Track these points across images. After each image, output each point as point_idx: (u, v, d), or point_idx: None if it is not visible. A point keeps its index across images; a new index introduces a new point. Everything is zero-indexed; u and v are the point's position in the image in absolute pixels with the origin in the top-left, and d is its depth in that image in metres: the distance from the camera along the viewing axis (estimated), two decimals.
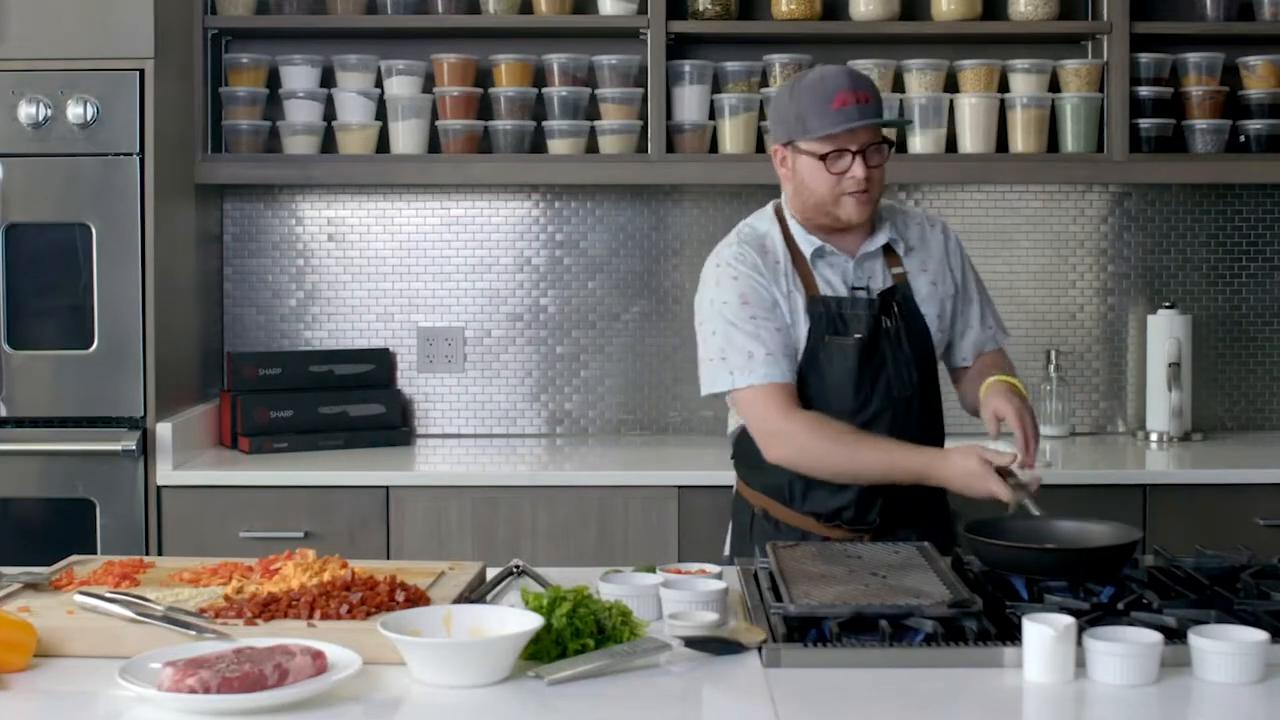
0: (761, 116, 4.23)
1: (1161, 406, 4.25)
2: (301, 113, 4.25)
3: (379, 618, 2.12)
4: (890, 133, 2.88)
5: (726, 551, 3.05)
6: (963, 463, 2.69)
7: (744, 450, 2.98)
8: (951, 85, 4.26)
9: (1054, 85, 4.26)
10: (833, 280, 2.91)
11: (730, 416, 3.05)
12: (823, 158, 2.82)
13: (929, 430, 2.95)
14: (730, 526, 3.08)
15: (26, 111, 3.74)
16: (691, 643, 2.11)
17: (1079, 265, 4.44)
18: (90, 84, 3.76)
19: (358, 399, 4.20)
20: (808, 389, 2.88)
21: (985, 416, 2.84)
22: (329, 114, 4.28)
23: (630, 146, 4.22)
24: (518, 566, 2.58)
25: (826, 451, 2.81)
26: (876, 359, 2.89)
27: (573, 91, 4.21)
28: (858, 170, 2.82)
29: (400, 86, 4.23)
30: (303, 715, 1.87)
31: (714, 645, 2.11)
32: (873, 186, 2.85)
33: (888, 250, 2.96)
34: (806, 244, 2.91)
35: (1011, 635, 2.10)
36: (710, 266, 2.95)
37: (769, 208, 3.01)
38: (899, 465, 2.79)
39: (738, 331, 2.86)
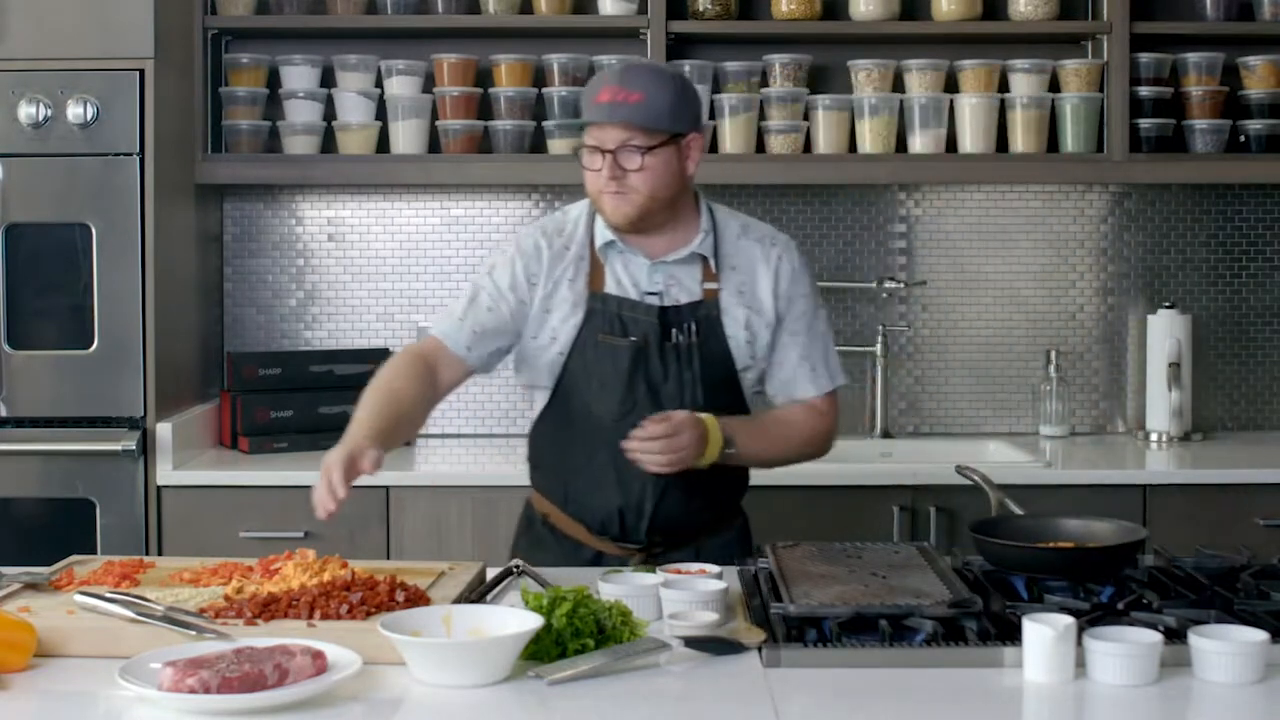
0: (762, 116, 4.24)
1: (1161, 406, 4.25)
2: (301, 113, 4.25)
3: (379, 618, 2.12)
4: (647, 137, 2.68)
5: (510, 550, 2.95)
6: (337, 450, 2.48)
7: (533, 447, 2.92)
8: (951, 85, 4.26)
9: (1054, 85, 4.26)
10: (624, 280, 2.79)
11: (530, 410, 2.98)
12: (577, 152, 2.75)
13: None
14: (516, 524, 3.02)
15: (26, 111, 3.74)
16: (691, 643, 2.11)
17: (1079, 265, 4.45)
18: (90, 84, 3.76)
19: (358, 399, 4.19)
20: (577, 383, 2.79)
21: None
22: (329, 114, 4.28)
23: None
24: (518, 566, 2.58)
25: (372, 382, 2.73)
26: (655, 370, 2.76)
27: (573, 91, 4.21)
28: (605, 170, 2.70)
29: (400, 86, 4.23)
30: (303, 715, 1.87)
31: (714, 645, 2.11)
32: (633, 190, 2.70)
33: (706, 262, 2.81)
34: (601, 235, 2.80)
35: (1011, 635, 2.10)
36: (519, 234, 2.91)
37: None
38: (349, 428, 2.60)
39: (471, 289, 2.84)
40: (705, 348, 2.78)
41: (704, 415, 2.67)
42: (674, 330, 2.77)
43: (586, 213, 2.85)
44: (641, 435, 2.62)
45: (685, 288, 2.80)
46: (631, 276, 2.80)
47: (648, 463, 2.63)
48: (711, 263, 2.81)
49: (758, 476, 3.81)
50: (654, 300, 2.78)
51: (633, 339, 2.76)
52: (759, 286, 2.82)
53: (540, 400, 2.88)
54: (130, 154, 3.78)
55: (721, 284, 2.81)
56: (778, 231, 2.92)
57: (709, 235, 2.82)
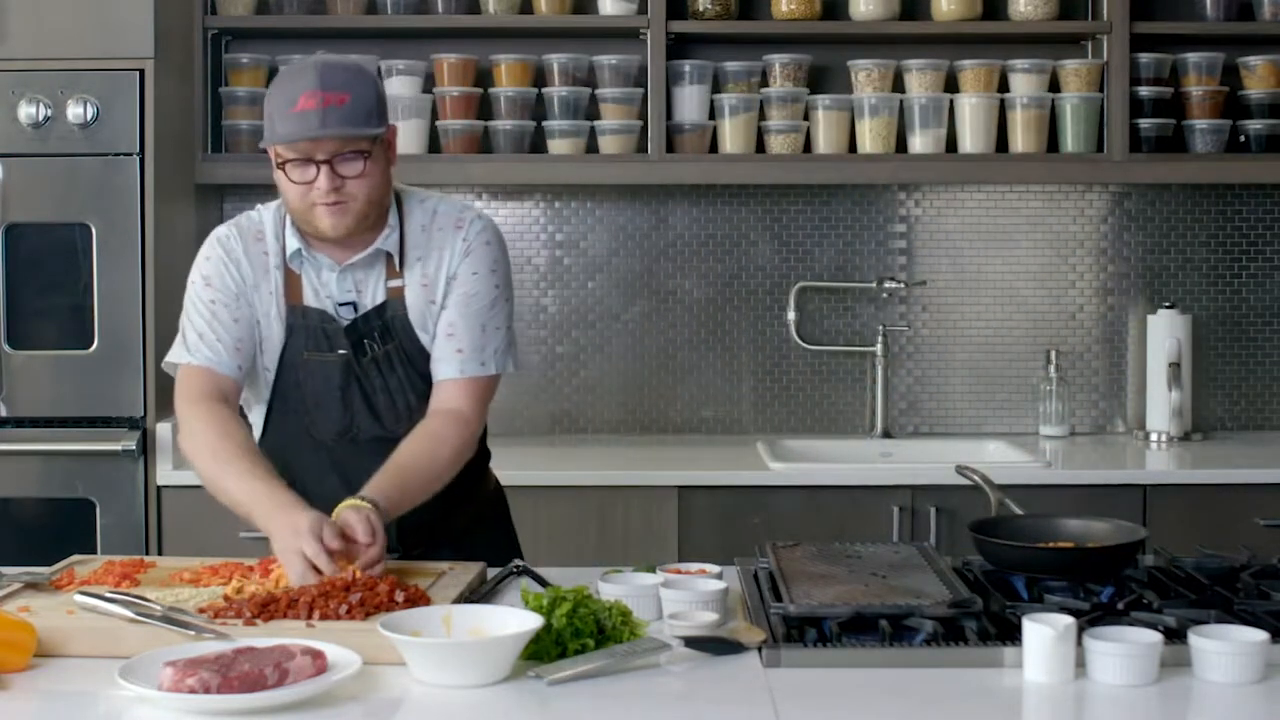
0: (762, 116, 4.24)
1: (1161, 406, 4.25)
2: None
3: (379, 618, 2.12)
4: (357, 142, 2.51)
5: None
6: (290, 534, 2.31)
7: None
8: (951, 85, 4.26)
9: (1054, 85, 4.26)
10: (319, 290, 2.63)
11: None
12: (283, 166, 2.53)
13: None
14: None
15: (26, 111, 3.74)
16: (691, 643, 2.11)
17: (1079, 265, 4.45)
18: (90, 84, 3.76)
19: None
20: (290, 402, 2.66)
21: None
22: None
23: (630, 146, 4.22)
24: (518, 566, 2.58)
25: (201, 456, 2.54)
26: (366, 382, 2.63)
27: (573, 91, 4.21)
28: (323, 182, 2.50)
29: (400, 86, 4.23)
30: (303, 715, 1.87)
31: (714, 645, 2.11)
32: (351, 198, 2.53)
33: (391, 260, 2.64)
34: (290, 244, 2.63)
35: (1011, 635, 2.10)
36: (206, 241, 2.71)
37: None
38: (253, 507, 2.43)
39: (195, 311, 2.64)
40: (403, 351, 2.64)
41: (357, 503, 2.40)
42: (366, 341, 2.62)
43: (275, 219, 2.67)
44: (366, 568, 2.32)
45: (371, 291, 2.64)
46: (326, 286, 2.63)
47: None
48: (396, 260, 2.64)
49: (761, 478, 3.82)
50: (348, 310, 2.63)
51: (340, 352, 2.61)
52: (440, 275, 2.64)
53: (257, 418, 2.72)
54: (130, 154, 3.78)
55: (405, 280, 2.64)
56: (470, 211, 2.71)
57: (394, 231, 2.64)
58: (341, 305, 2.63)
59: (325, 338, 2.62)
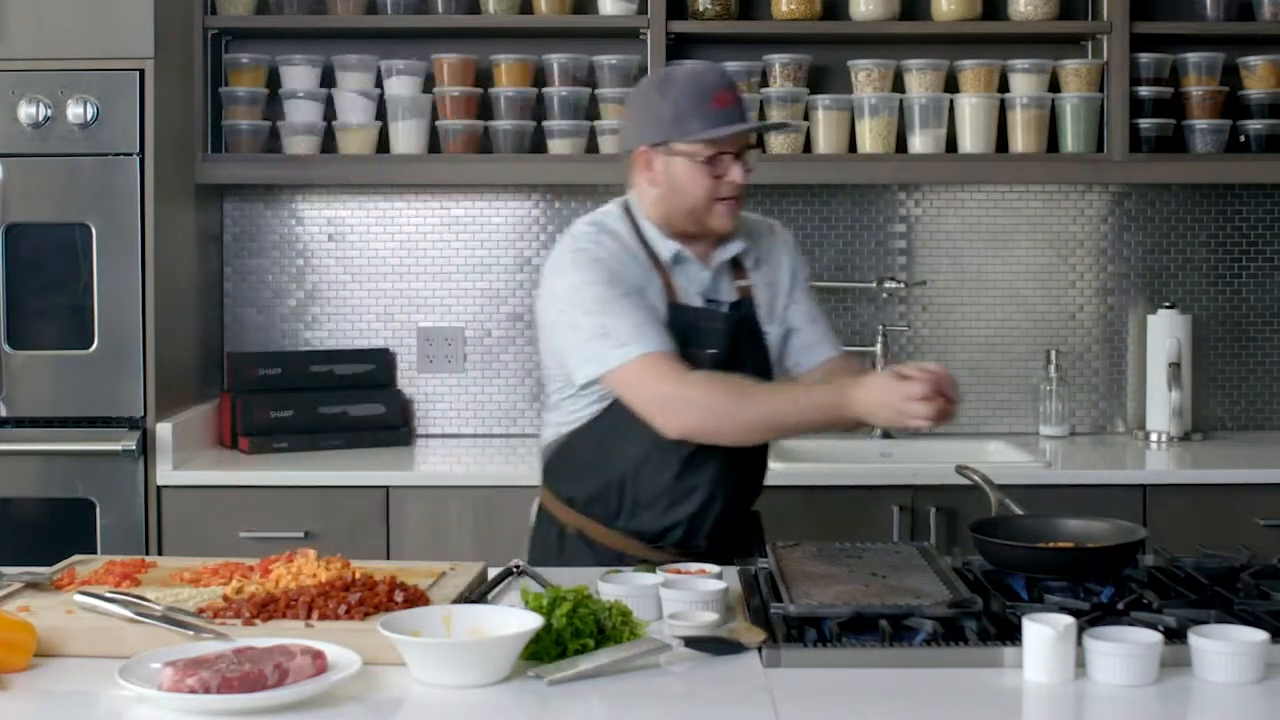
0: (762, 116, 4.23)
1: (1161, 406, 4.25)
2: (301, 113, 4.25)
3: (379, 618, 2.12)
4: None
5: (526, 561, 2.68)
6: (878, 389, 2.49)
7: (563, 463, 2.81)
8: (951, 85, 4.26)
9: (1054, 85, 4.26)
10: (688, 289, 2.74)
11: (545, 427, 2.87)
12: (707, 160, 2.66)
13: (759, 456, 2.83)
14: (531, 536, 2.92)
15: (26, 111, 3.74)
16: (691, 643, 2.11)
17: (1079, 265, 4.45)
18: (90, 84, 3.76)
19: (358, 399, 4.20)
20: None
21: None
22: (329, 114, 4.28)
23: None
24: (518, 566, 2.58)
25: (737, 406, 2.58)
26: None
27: (573, 91, 4.22)
28: (736, 174, 2.68)
29: (400, 86, 4.23)
30: (303, 715, 1.87)
31: (714, 645, 2.11)
32: (740, 193, 2.72)
33: (735, 262, 2.81)
34: (665, 247, 2.72)
35: (1011, 635, 2.10)
36: (564, 254, 2.71)
37: (614, 207, 2.79)
38: (815, 402, 2.60)
39: (616, 306, 2.63)
40: (754, 349, 2.79)
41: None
42: (738, 334, 2.76)
43: (626, 221, 2.75)
44: (947, 391, 2.46)
45: (725, 290, 2.79)
46: (695, 285, 2.76)
47: (943, 416, 2.47)
48: (747, 260, 2.83)
49: None
50: (716, 307, 2.76)
51: (712, 351, 2.71)
52: (780, 274, 2.87)
53: (587, 407, 2.74)
54: (130, 154, 3.78)
55: (753, 280, 2.83)
56: (766, 218, 2.97)
57: (742, 232, 2.81)
58: (710, 301, 2.76)
59: (698, 335, 2.71)
